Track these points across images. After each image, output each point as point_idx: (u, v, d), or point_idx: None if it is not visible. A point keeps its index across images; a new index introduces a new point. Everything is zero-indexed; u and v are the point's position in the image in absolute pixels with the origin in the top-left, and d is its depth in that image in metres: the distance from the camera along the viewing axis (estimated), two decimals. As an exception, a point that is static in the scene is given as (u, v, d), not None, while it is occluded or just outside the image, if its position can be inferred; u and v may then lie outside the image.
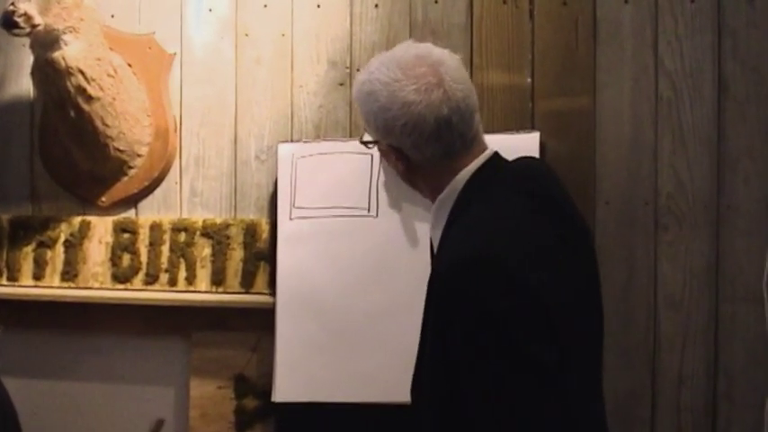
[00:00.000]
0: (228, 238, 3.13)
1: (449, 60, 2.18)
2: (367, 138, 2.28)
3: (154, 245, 3.18)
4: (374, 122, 2.19)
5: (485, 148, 2.23)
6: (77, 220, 3.26)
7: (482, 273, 1.98)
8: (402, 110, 2.12)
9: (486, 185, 2.16)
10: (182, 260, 3.16)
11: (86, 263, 3.24)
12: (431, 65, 2.15)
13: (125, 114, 3.11)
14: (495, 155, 2.23)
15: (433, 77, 2.13)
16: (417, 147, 2.15)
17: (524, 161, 2.32)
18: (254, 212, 3.16)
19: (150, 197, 3.25)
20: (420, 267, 2.65)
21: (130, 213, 3.26)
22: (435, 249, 2.24)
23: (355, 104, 2.27)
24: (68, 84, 2.94)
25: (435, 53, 2.19)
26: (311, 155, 3.03)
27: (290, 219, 3.00)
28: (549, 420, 1.98)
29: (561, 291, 2.06)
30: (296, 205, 3.00)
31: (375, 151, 2.35)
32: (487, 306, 1.96)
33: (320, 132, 3.11)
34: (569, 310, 2.07)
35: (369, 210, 2.94)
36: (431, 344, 2.11)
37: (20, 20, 2.78)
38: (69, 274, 3.24)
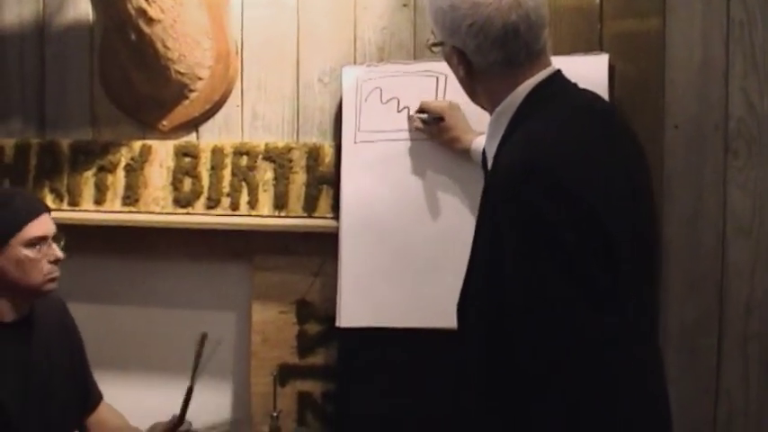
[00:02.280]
0: (291, 161, 3.10)
1: None
2: (433, 40, 2.24)
3: (215, 169, 3.16)
4: (441, 21, 2.16)
5: (549, 63, 2.20)
6: (138, 144, 3.24)
7: (540, 182, 1.96)
8: (471, 9, 2.09)
9: (546, 100, 2.13)
10: (243, 184, 3.14)
11: (147, 187, 3.22)
12: None
13: (186, 37, 3.07)
14: (558, 72, 2.20)
15: None
16: (481, 50, 2.12)
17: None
18: (316, 136, 3.13)
19: (211, 121, 3.22)
20: (485, 192, 2.63)
21: (191, 137, 3.24)
22: (489, 162, 2.22)
23: (424, 1, 2.22)
24: (129, 6, 2.90)
25: None
26: (376, 77, 2.99)
27: (355, 142, 2.97)
28: (597, 336, 1.96)
29: (619, 209, 2.03)
30: (361, 129, 2.97)
31: (441, 64, 2.32)
32: (544, 215, 1.94)
33: (384, 55, 3.06)
34: (627, 229, 2.04)
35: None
36: (482, 256, 2.12)
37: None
38: (130, 198, 3.23)
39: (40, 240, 2.60)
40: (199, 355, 2.81)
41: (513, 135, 2.10)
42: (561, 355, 1.95)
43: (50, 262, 2.63)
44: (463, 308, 2.23)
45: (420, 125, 2.89)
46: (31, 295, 2.65)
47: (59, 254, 2.64)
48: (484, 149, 2.31)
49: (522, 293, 1.98)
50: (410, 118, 2.92)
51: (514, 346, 1.99)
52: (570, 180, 1.96)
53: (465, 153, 2.81)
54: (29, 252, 2.58)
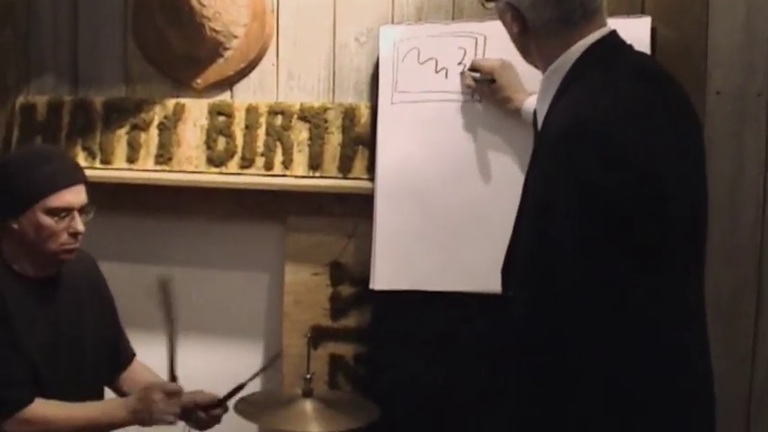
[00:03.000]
0: (326, 122, 3.07)
1: None
2: None
3: (250, 128, 3.13)
4: None
5: (604, 24, 2.16)
6: (171, 102, 3.22)
7: (591, 144, 1.93)
8: None
9: (600, 60, 2.09)
10: (278, 144, 3.11)
11: (180, 146, 3.20)
12: None
13: (221, -6, 3.05)
14: (613, 32, 2.16)
15: None
16: (536, 7, 2.10)
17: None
18: (352, 96, 3.09)
19: (246, 80, 3.19)
20: (523, 155, 2.60)
21: (225, 96, 3.21)
22: (540, 122, 2.18)
23: None
24: (164, -39, 2.89)
25: None
26: (413, 38, 2.95)
27: (392, 103, 2.93)
28: (641, 298, 1.94)
29: (669, 172, 1.99)
30: (397, 89, 2.93)
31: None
32: (591, 177, 1.92)
33: (422, 15, 3.02)
34: (676, 193, 2.00)
35: (473, 95, 2.86)
36: (529, 218, 2.08)
37: None
38: (163, 157, 3.21)
39: (63, 211, 2.56)
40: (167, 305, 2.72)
41: (564, 95, 2.07)
42: (607, 316, 1.92)
43: (69, 234, 2.59)
44: (507, 271, 2.20)
45: (471, 83, 2.84)
46: (48, 259, 2.62)
47: (80, 227, 2.59)
48: (535, 110, 2.28)
49: (569, 255, 1.95)
50: (462, 75, 2.87)
51: (559, 309, 1.97)
52: (621, 143, 1.93)
53: (516, 113, 2.76)
54: (49, 220, 2.54)
